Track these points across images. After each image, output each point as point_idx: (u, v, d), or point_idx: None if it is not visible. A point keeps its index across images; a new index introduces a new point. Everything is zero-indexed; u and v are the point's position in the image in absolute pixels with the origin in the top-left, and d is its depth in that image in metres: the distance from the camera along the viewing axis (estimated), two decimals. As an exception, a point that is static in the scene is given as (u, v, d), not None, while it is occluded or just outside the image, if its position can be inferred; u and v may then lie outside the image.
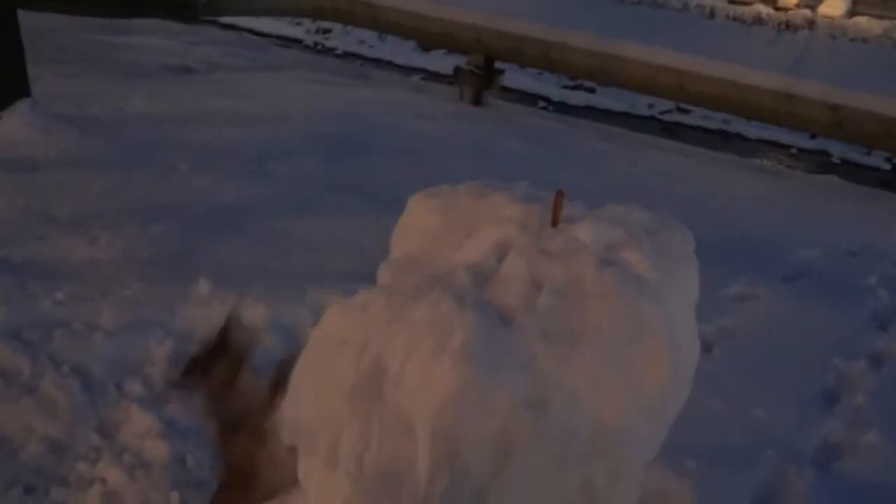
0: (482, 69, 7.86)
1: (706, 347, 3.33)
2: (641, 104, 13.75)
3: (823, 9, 16.01)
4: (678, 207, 5.48)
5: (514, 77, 12.79)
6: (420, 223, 1.37)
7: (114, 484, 2.14)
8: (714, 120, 11.77)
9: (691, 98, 7.25)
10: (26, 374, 2.48)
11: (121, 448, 2.27)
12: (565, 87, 14.57)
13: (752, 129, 11.20)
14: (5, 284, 2.92)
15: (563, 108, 13.06)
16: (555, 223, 1.19)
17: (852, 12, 15.68)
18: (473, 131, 6.65)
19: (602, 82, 9.14)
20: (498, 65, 8.12)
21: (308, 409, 1.13)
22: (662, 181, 6.16)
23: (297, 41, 12.97)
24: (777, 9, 17.67)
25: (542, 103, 13.33)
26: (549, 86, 14.32)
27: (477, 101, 7.86)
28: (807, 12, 15.96)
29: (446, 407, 1.00)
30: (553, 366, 1.03)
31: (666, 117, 13.92)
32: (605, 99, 13.85)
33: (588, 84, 14.65)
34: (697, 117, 12.11)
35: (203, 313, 2.94)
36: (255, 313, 2.95)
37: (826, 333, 3.59)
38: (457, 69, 8.06)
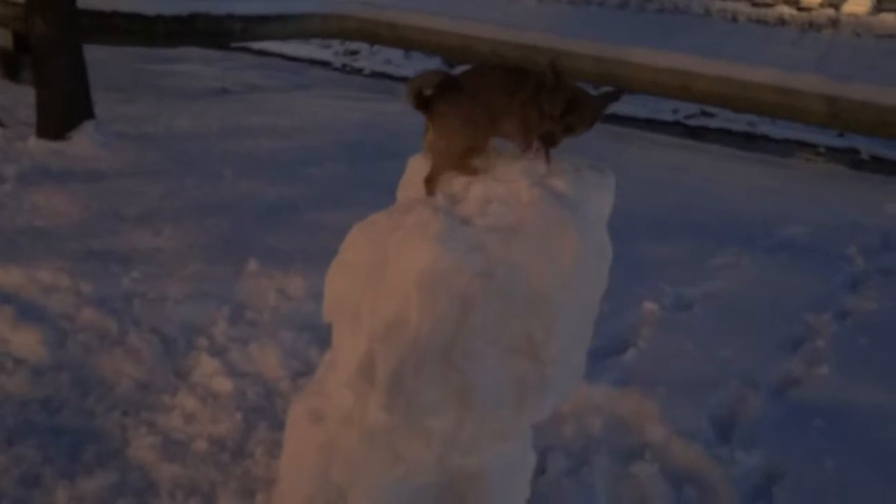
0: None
1: (687, 305, 3.81)
2: (666, 110, 14.07)
3: (848, 7, 15.87)
4: (673, 193, 5.96)
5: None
6: (418, 175, 1.90)
7: (190, 408, 2.69)
8: (740, 122, 12.03)
9: (695, 97, 7.69)
10: (115, 332, 3.06)
11: (193, 384, 2.83)
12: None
13: (778, 130, 11.42)
14: (90, 267, 3.51)
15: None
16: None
17: (878, 9, 15.55)
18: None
19: (609, 86, 9.59)
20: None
21: (338, 292, 1.66)
22: (664, 172, 6.62)
23: (326, 63, 13.56)
24: (800, 9, 17.76)
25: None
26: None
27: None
28: (830, 11, 16.02)
29: (426, 274, 1.51)
30: (497, 249, 1.54)
31: (691, 121, 14.19)
32: (631, 106, 14.17)
33: (613, 92, 15.11)
34: (722, 120, 12.39)
35: (253, 286, 3.52)
36: (295, 284, 3.52)
37: (800, 294, 4.02)
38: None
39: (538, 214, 1.56)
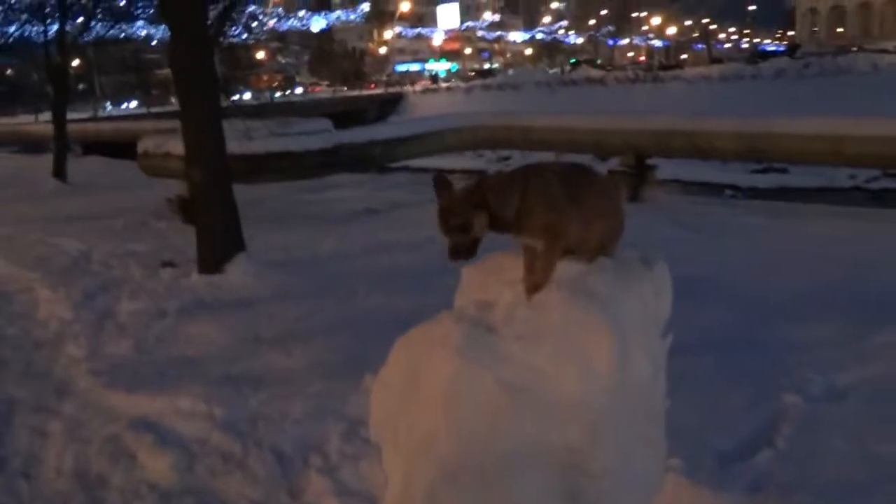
0: (634, 168, 8.27)
1: (839, 395, 3.37)
2: (841, 176, 13.10)
3: None
4: (833, 267, 5.42)
5: (696, 170, 12.84)
6: (470, 285, 1.89)
7: (298, 529, 2.72)
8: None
9: (849, 161, 7.09)
10: (238, 454, 3.21)
11: (304, 504, 2.88)
12: (754, 171, 14.23)
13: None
14: (225, 392, 3.75)
15: (754, 193, 12.72)
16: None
17: None
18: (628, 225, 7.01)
19: (755, 160, 9.12)
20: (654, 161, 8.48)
21: (381, 412, 1.65)
22: (826, 245, 6.07)
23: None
24: None
25: (729, 191, 13.09)
26: (736, 174, 14.07)
27: (634, 197, 8.23)
28: None
29: (450, 388, 1.46)
30: (524, 357, 1.46)
31: (872, 185, 13.13)
32: (800, 177, 13.39)
33: (778, 165, 14.21)
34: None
35: (368, 402, 3.57)
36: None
37: None
38: (610, 172, 8.52)
39: (564, 317, 1.48)
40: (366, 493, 2.91)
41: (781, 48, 66.35)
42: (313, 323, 4.73)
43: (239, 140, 7.68)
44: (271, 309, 5.05)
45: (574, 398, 1.46)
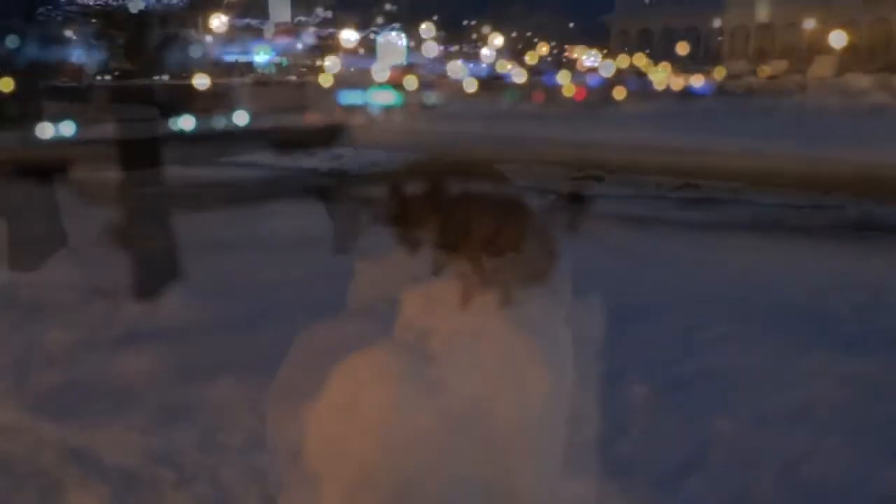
0: (570, 199, 8.46)
1: (769, 420, 3.51)
2: (765, 214, 13.59)
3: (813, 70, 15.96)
4: (743, 297, 5.70)
5: (630, 203, 13.24)
6: (410, 313, 1.92)
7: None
8: (852, 210, 11.45)
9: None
10: (174, 488, 3.15)
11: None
12: (683, 203, 14.70)
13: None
14: (160, 423, 3.67)
15: (684, 225, 13.13)
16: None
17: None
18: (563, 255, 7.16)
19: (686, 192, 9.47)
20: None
21: (320, 438, 1.66)
22: (740, 276, 6.35)
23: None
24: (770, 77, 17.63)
25: (662, 224, 13.46)
26: (667, 206, 14.54)
27: (569, 229, 8.40)
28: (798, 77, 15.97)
29: (387, 417, 1.49)
30: (462, 385, 1.51)
31: (791, 220, 13.60)
32: (726, 211, 13.79)
33: (706, 199, 14.78)
34: (830, 214, 11.91)
35: (307, 428, 3.55)
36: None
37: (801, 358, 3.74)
38: (546, 203, 8.68)
39: (503, 345, 1.53)
40: (306, 523, 2.88)
41: (710, 87, 69.02)
42: (252, 351, 4.64)
43: (179, 167, 7.58)
44: (209, 338, 4.96)
45: (510, 425, 1.50)
